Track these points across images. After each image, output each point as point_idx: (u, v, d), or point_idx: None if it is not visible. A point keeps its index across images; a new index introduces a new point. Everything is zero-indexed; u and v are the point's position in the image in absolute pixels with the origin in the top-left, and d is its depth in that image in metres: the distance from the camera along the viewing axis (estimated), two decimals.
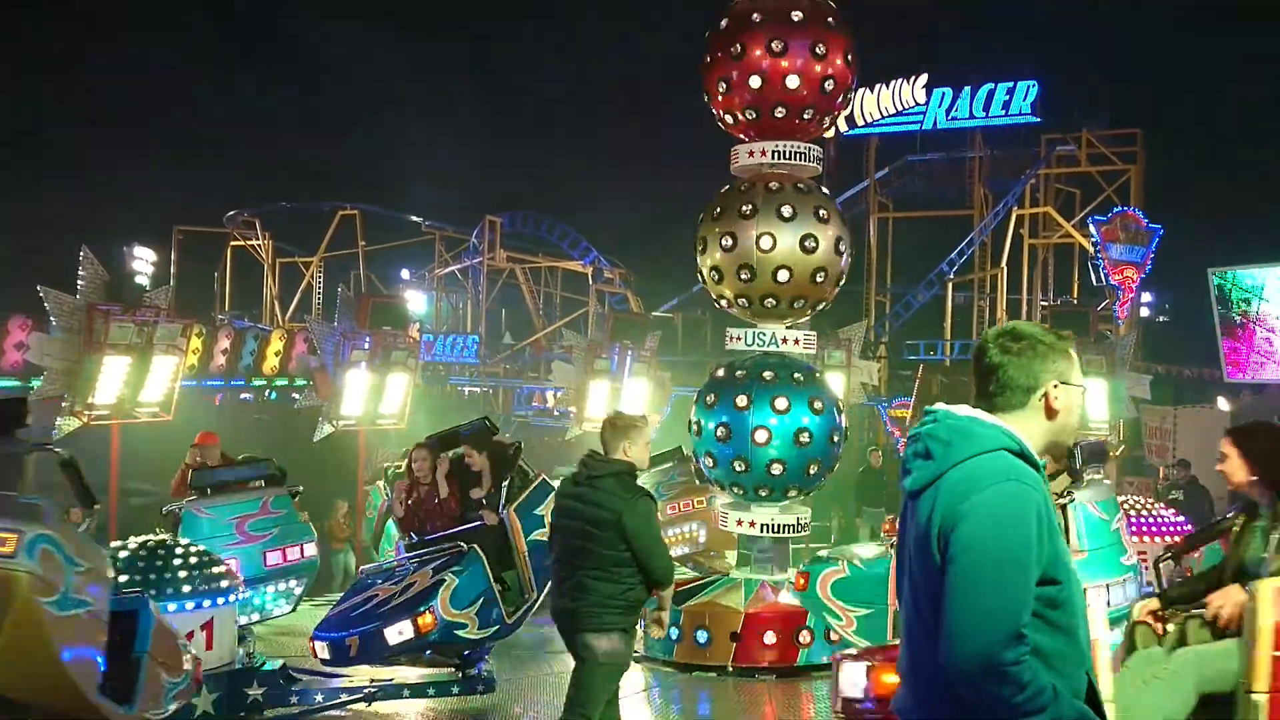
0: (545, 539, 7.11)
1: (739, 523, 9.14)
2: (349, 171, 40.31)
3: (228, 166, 36.29)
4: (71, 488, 5.14)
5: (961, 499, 2.35)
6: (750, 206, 8.57)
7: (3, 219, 26.63)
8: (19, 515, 4.27)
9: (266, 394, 21.67)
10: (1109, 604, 5.82)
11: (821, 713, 7.89)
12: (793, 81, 8.45)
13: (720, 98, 8.82)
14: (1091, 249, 27.82)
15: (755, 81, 8.51)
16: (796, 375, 8.88)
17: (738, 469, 8.66)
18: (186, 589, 6.57)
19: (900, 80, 29.25)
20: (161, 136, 37.11)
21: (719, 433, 8.64)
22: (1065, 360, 2.53)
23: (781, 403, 8.55)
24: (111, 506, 10.85)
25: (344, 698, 7.02)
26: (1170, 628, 4.17)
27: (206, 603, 6.65)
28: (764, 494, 8.82)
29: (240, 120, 41.65)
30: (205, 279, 31.43)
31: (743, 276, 8.62)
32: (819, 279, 8.65)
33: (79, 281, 9.72)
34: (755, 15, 8.53)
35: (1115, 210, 27.86)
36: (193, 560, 6.81)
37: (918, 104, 29.38)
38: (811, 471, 8.80)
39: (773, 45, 8.40)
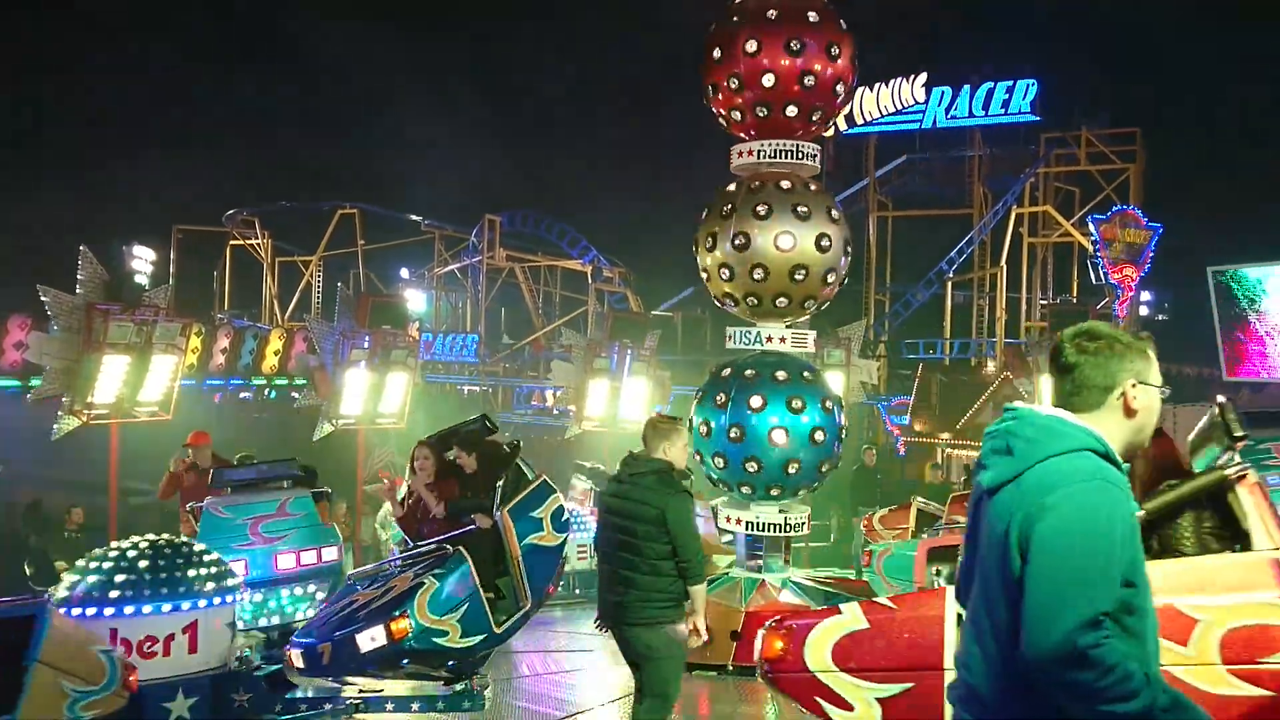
0: (543, 543, 7.03)
1: (737, 521, 9.14)
2: (348, 171, 40.40)
3: (227, 166, 36.33)
4: None
5: (1046, 493, 2.34)
6: (766, 206, 8.56)
7: (3, 219, 26.63)
8: None
9: (266, 393, 21.69)
10: None
11: None
12: (792, 80, 8.45)
13: (719, 97, 8.82)
14: (1091, 248, 27.84)
15: (754, 80, 8.50)
16: (806, 374, 8.94)
17: (751, 469, 8.64)
18: (164, 590, 6.24)
19: (900, 79, 29.27)
20: (161, 136, 37.16)
21: (732, 433, 8.59)
22: (1143, 360, 2.52)
23: (797, 403, 8.57)
24: (111, 506, 10.85)
25: (327, 708, 6.82)
26: None
27: (186, 605, 6.30)
28: (775, 493, 8.84)
29: (240, 120, 41.72)
30: (204, 278, 31.49)
31: (756, 275, 8.61)
32: (829, 278, 8.67)
33: (78, 281, 9.72)
34: (755, 14, 8.53)
35: (1114, 209, 27.89)
36: (168, 561, 6.42)
37: (917, 103, 29.40)
38: (823, 469, 8.91)
39: (772, 44, 8.40)
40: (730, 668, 8.70)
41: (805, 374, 8.94)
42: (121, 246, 27.28)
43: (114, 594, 6.11)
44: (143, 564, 6.30)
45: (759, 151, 8.83)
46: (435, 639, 6.44)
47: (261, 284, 32.02)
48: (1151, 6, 40.57)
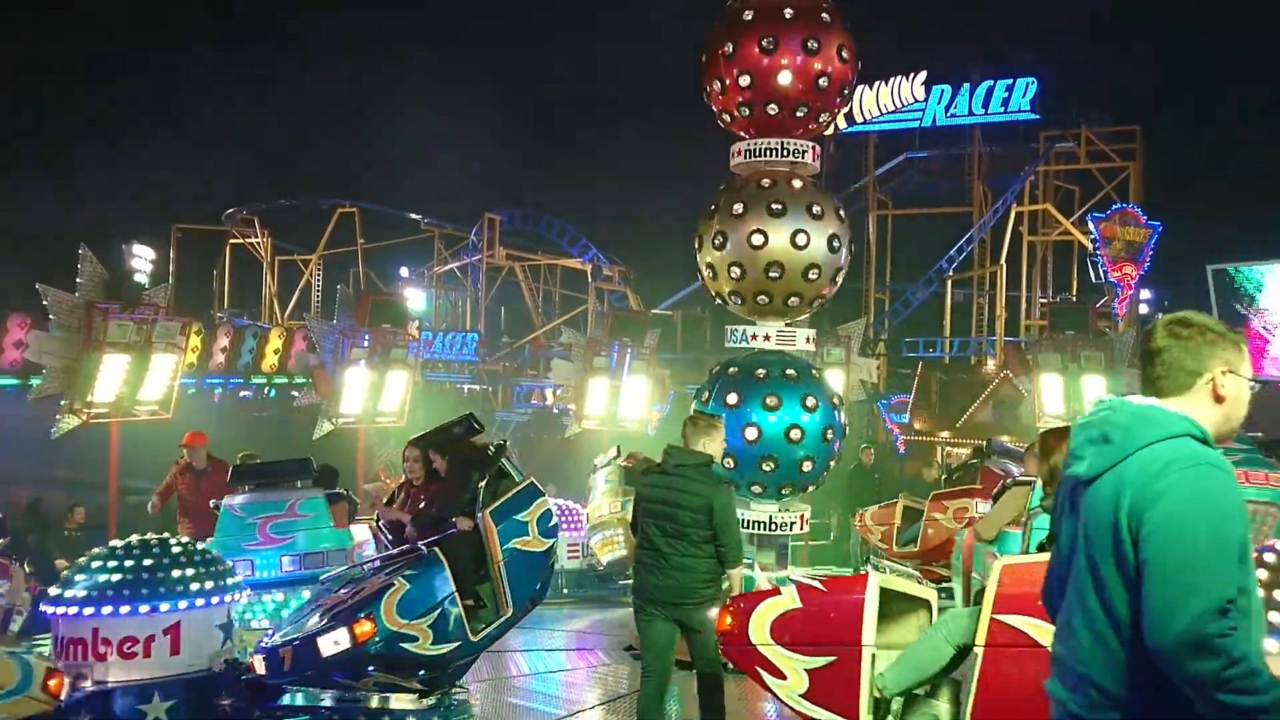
0: (527, 548, 6.78)
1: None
2: (348, 169, 40.37)
3: (226, 165, 36.31)
4: None
5: (1156, 479, 2.34)
6: (741, 204, 8.55)
7: (2, 219, 26.62)
8: None
9: (266, 392, 21.69)
10: None
11: None
12: (792, 79, 8.43)
13: (719, 96, 8.81)
14: (1090, 246, 27.85)
15: (754, 79, 8.49)
16: (814, 372, 8.98)
17: (766, 469, 8.59)
18: (145, 591, 6.09)
19: (899, 77, 29.25)
20: (161, 136, 37.09)
21: (749, 434, 8.49)
22: (1235, 350, 2.52)
23: (810, 401, 8.58)
24: (111, 505, 10.87)
25: (303, 717, 6.62)
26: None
27: (165, 605, 6.12)
28: (787, 491, 8.86)
29: (239, 118, 41.69)
30: (204, 277, 31.47)
31: (733, 274, 8.60)
32: (811, 275, 8.61)
33: (78, 280, 9.72)
34: (755, 13, 8.52)
35: (1114, 207, 27.90)
36: (154, 561, 6.27)
37: (917, 101, 29.38)
38: (832, 466, 8.98)
39: (772, 43, 8.39)
40: (730, 665, 8.69)
41: (813, 371, 8.99)
42: (121, 246, 27.24)
43: (96, 594, 6.05)
44: (127, 564, 6.20)
45: (757, 151, 8.82)
46: (403, 644, 6.10)
47: (261, 283, 32.02)
48: (1151, 5, 40.58)
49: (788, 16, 8.42)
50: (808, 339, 9.13)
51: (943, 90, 29.27)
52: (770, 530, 9.05)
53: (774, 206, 8.47)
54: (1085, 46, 43.46)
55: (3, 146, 35.12)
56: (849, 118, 28.99)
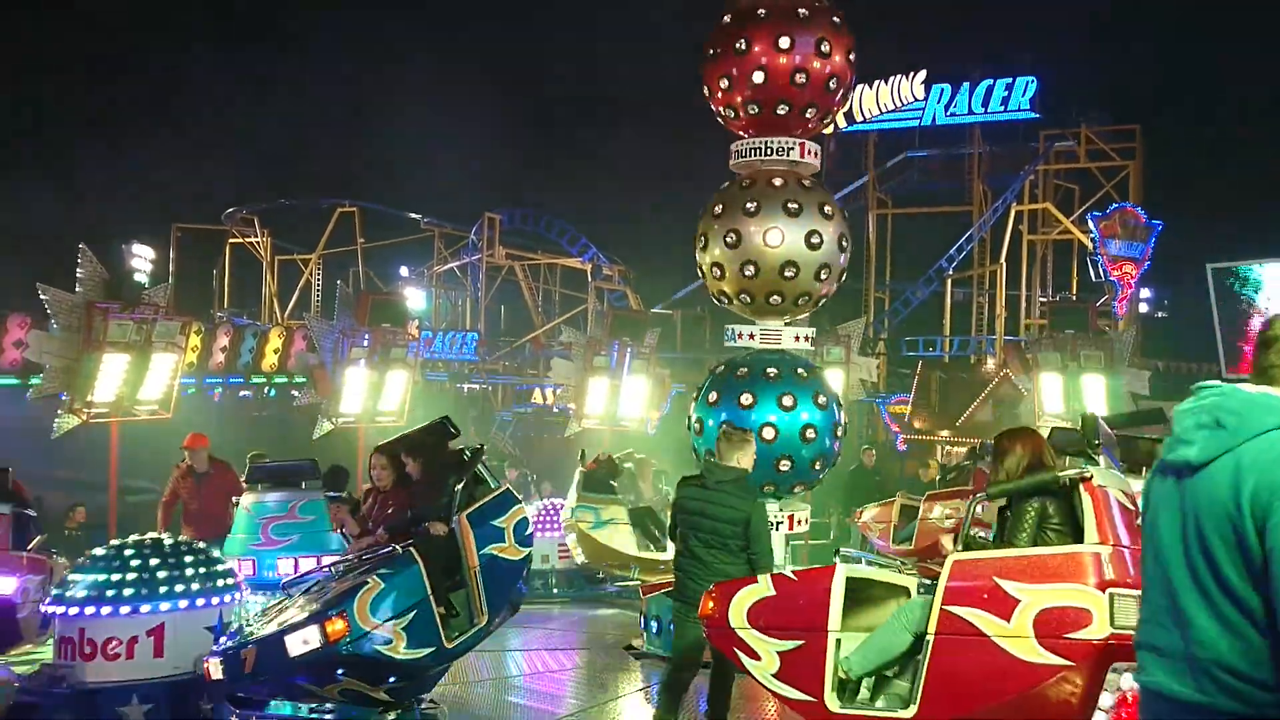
0: (504, 556, 6.56)
1: None
2: (348, 169, 40.35)
3: (226, 164, 36.27)
4: None
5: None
6: (755, 203, 8.53)
7: (2, 218, 26.62)
8: None
9: (265, 391, 21.71)
10: None
11: None
12: (792, 78, 8.43)
13: (720, 94, 8.80)
14: (1090, 245, 27.85)
15: (754, 78, 8.47)
16: (817, 371, 9.07)
17: (783, 468, 8.54)
18: (128, 592, 6.04)
19: (899, 76, 29.22)
20: (161, 136, 37.07)
21: (766, 433, 8.37)
22: None
23: (822, 399, 8.60)
24: (111, 504, 10.87)
25: None
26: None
27: (145, 607, 6.06)
28: (798, 490, 8.88)
29: (239, 118, 41.67)
30: (204, 277, 31.44)
31: (747, 273, 8.57)
32: (823, 275, 8.62)
33: (78, 279, 9.73)
34: (757, 11, 8.50)
35: (1114, 206, 27.90)
36: (141, 562, 6.21)
37: (916, 100, 29.35)
38: (838, 464, 9.07)
39: (772, 42, 8.39)
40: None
41: (816, 370, 9.09)
42: (121, 245, 27.27)
43: (84, 594, 6.04)
44: (115, 564, 6.16)
45: (757, 149, 8.81)
46: (377, 646, 5.76)
47: (261, 282, 32.00)
48: (1151, 5, 40.59)
49: (801, 16, 8.42)
50: (808, 338, 9.15)
51: (942, 89, 29.24)
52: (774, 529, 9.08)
53: (790, 206, 8.45)
54: (1085, 46, 43.41)
55: (3, 146, 35.11)
56: (849, 116, 28.97)
